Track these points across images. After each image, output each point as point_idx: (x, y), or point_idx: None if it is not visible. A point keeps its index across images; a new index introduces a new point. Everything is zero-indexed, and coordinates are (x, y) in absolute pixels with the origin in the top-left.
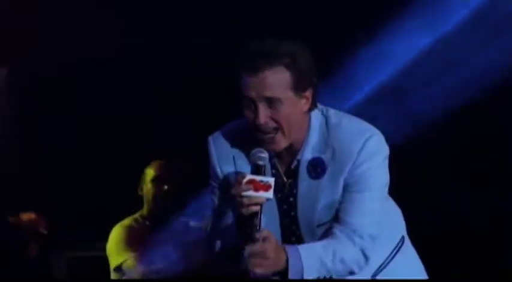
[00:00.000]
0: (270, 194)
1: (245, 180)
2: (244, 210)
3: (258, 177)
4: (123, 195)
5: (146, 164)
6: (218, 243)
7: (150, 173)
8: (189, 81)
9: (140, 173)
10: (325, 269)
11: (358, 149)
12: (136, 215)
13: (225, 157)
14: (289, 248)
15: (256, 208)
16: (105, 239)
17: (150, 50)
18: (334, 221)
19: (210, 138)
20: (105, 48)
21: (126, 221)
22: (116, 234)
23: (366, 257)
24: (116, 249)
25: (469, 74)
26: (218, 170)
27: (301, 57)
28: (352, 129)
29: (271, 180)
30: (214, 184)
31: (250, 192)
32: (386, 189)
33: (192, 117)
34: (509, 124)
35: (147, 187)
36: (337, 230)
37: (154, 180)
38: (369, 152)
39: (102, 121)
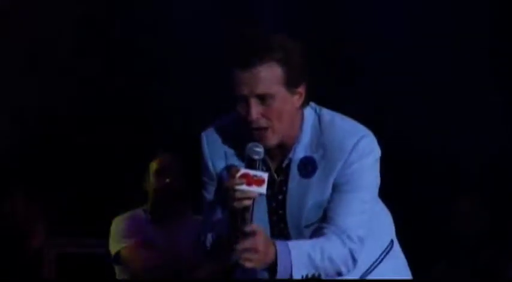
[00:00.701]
0: (263, 189)
1: (239, 174)
2: (236, 204)
3: (251, 172)
4: (117, 193)
5: (144, 161)
6: (209, 237)
7: (153, 166)
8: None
9: (135, 171)
10: (314, 265)
11: (349, 149)
12: (139, 209)
13: (217, 153)
14: (279, 243)
15: (248, 202)
16: (96, 236)
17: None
18: (322, 221)
19: (203, 135)
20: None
21: (128, 213)
22: (115, 224)
23: (354, 260)
24: (114, 238)
25: None
26: (210, 165)
27: (294, 52)
28: (345, 129)
29: (265, 175)
30: (206, 180)
31: (244, 186)
32: (376, 191)
33: (193, 112)
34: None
35: (150, 180)
36: (325, 229)
37: (157, 173)
38: (361, 151)
39: (101, 119)
